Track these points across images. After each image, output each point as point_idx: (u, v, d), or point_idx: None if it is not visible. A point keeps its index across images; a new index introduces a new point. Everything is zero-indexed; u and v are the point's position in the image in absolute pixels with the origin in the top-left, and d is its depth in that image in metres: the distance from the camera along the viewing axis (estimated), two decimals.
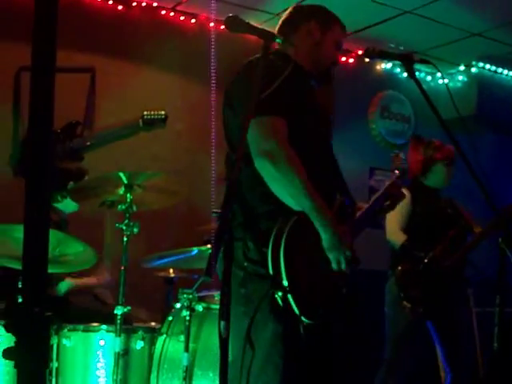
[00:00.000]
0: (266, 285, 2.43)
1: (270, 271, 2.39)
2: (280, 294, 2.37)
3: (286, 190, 2.45)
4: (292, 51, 2.79)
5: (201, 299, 3.67)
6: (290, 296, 2.37)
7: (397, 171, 3.03)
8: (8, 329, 1.37)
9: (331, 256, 2.50)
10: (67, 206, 4.15)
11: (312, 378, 2.63)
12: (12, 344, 1.36)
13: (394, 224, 4.25)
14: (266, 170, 2.45)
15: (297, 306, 2.38)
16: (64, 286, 4.09)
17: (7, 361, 1.37)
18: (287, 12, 2.90)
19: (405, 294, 4.05)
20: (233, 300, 2.59)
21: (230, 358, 2.05)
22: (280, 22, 2.88)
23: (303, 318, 2.41)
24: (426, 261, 4.03)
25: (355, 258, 2.56)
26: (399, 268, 4.11)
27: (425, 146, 4.30)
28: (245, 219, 2.55)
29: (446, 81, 7.05)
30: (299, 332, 2.46)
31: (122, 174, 3.43)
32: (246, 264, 2.52)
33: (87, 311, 4.09)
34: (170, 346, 3.54)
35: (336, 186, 2.71)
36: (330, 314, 2.56)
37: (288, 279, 2.37)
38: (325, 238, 2.48)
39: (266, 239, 2.43)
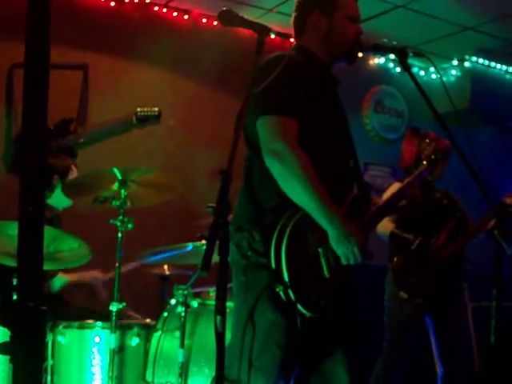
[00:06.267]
0: (265, 274, 2.47)
1: (273, 265, 2.42)
2: (281, 287, 2.39)
3: (293, 190, 2.48)
4: (310, 46, 2.79)
5: (196, 295, 3.67)
6: (290, 291, 2.39)
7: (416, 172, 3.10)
8: (3, 323, 1.37)
9: (339, 251, 2.51)
10: (59, 201, 4.11)
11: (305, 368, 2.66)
12: (7, 339, 1.36)
13: None
14: (274, 169, 2.50)
15: (297, 300, 2.40)
16: (58, 282, 4.05)
17: (2, 357, 1.36)
18: (294, 8, 2.86)
19: (401, 284, 4.05)
20: (234, 289, 2.61)
21: (227, 344, 2.05)
22: (292, 22, 2.87)
23: (303, 310, 2.43)
24: (417, 242, 4.02)
25: (367, 253, 2.57)
26: (395, 259, 4.12)
27: (420, 139, 4.28)
28: (253, 213, 2.60)
29: (436, 76, 7.06)
30: (296, 323, 2.47)
31: (116, 170, 3.42)
32: (249, 253, 2.56)
33: (84, 311, 4.08)
34: (166, 342, 3.53)
35: (350, 184, 2.72)
36: (330, 308, 2.56)
37: (289, 275, 2.40)
38: (332, 234, 2.49)
39: (270, 233, 2.46)
